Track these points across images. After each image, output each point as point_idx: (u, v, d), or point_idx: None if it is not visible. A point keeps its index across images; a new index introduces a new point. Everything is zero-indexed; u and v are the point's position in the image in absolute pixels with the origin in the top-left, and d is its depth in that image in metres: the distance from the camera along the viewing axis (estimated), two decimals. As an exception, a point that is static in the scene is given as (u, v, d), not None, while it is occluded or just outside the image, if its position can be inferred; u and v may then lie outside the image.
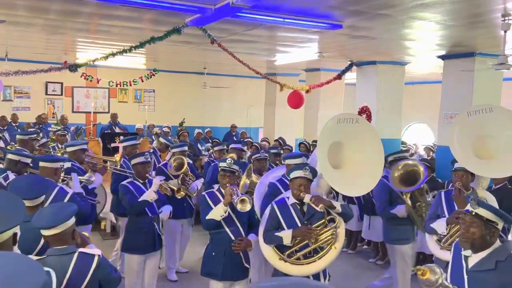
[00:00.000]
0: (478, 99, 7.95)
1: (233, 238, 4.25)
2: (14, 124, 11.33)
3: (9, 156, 4.88)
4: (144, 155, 5.25)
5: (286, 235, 3.92)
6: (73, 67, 7.37)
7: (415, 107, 14.05)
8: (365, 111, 9.56)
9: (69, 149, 5.81)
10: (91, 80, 9.27)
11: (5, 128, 10.86)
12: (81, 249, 2.99)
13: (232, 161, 4.42)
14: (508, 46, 6.32)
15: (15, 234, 2.47)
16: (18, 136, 6.62)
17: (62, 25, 6.99)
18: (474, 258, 2.87)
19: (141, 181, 5.11)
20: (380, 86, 9.60)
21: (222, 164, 4.43)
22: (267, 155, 6.32)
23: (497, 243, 2.85)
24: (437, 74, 10.92)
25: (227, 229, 4.28)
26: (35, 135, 7.21)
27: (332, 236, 3.94)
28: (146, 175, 5.16)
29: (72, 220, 2.98)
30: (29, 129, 9.30)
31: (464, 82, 8.06)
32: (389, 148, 7.18)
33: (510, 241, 3.01)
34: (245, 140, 10.42)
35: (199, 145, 11.11)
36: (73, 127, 11.22)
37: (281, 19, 5.70)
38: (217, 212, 4.19)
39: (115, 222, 7.72)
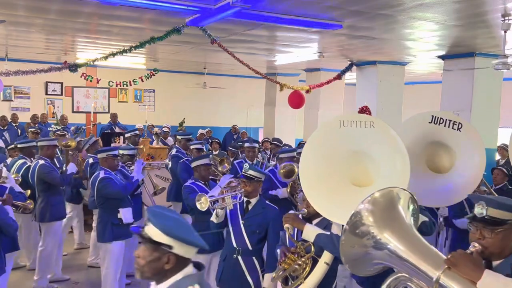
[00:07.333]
0: (478, 99, 7.96)
1: (235, 245, 4.06)
2: (14, 124, 11.33)
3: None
4: (208, 157, 5.43)
5: None
6: (73, 67, 7.36)
7: (415, 107, 14.02)
8: (365, 111, 9.55)
9: (192, 147, 7.05)
10: (91, 80, 9.27)
11: (5, 128, 10.87)
12: None
13: (248, 166, 4.14)
14: (508, 46, 6.33)
15: None
16: (178, 137, 7.82)
17: (62, 25, 6.99)
18: None
19: (203, 182, 5.20)
20: (380, 86, 9.60)
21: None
22: None
23: (182, 273, 2.10)
24: (437, 74, 10.93)
25: (231, 234, 4.11)
26: (189, 136, 7.99)
27: (300, 267, 3.32)
28: (209, 177, 5.30)
29: None
30: (30, 129, 9.29)
31: (464, 82, 8.06)
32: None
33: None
34: (244, 140, 10.40)
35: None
36: (73, 127, 11.22)
37: (281, 19, 5.70)
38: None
39: None
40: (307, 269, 3.29)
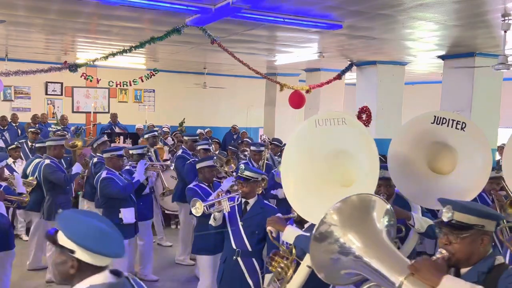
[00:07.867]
0: (478, 99, 7.97)
1: (234, 247, 4.05)
2: (14, 124, 11.32)
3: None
4: (213, 159, 5.45)
5: None
6: (73, 67, 7.37)
7: (415, 107, 14.02)
8: (365, 111, 9.57)
9: (199, 147, 7.06)
10: (91, 80, 9.27)
11: (5, 128, 10.86)
12: None
13: (244, 167, 4.10)
14: (508, 46, 6.33)
15: None
16: (184, 138, 7.84)
17: (62, 25, 6.99)
18: None
19: (206, 184, 5.21)
20: (380, 86, 9.60)
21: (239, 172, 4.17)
22: None
23: (89, 281, 1.97)
24: (437, 74, 10.93)
25: (231, 236, 4.10)
26: (196, 137, 7.97)
27: (282, 270, 3.22)
28: (213, 178, 5.32)
29: None
30: (30, 129, 9.30)
31: (464, 82, 8.07)
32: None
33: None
34: (244, 140, 10.41)
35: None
36: (73, 127, 11.22)
37: (281, 19, 5.71)
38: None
39: None
40: (290, 271, 3.18)
